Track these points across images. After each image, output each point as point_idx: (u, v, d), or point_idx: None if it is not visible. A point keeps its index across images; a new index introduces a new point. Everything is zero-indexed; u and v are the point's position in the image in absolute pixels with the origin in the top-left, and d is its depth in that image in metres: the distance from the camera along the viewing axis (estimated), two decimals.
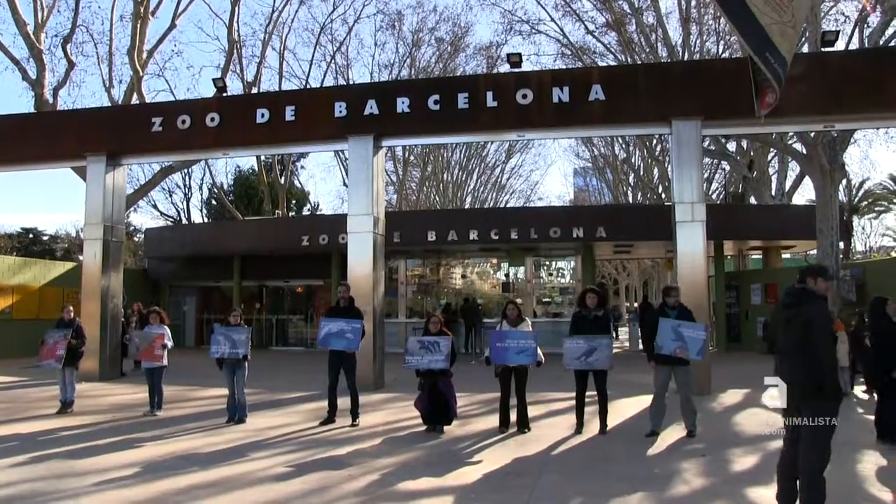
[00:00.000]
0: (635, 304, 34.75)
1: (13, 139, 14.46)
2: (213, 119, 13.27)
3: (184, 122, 13.43)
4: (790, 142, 18.80)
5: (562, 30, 24.14)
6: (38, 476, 5.99)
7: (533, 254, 20.83)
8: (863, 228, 45.27)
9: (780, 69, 9.53)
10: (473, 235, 18.56)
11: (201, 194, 43.83)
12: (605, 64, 22.16)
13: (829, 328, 4.34)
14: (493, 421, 8.15)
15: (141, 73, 20.03)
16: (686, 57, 20.21)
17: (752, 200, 24.30)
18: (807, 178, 19.36)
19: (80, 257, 19.13)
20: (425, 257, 22.01)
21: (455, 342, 8.21)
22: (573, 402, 8.08)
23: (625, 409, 9.30)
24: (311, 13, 41.91)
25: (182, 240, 23.70)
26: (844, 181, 30.77)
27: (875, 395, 7.94)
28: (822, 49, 12.15)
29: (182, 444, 7.34)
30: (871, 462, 6.34)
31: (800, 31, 10.99)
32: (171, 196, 42.14)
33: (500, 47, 27.94)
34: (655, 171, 30.27)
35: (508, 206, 42.82)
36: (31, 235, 43.86)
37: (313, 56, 28.81)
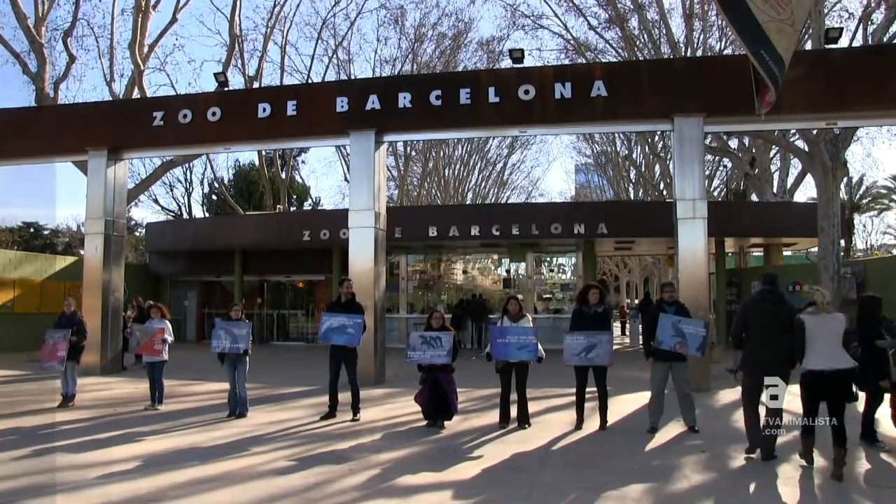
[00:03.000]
0: (635, 301, 34.69)
1: (14, 133, 14.46)
2: (214, 113, 13.26)
3: (185, 116, 13.42)
4: (792, 139, 18.76)
5: (564, 25, 24.10)
6: (40, 469, 6.01)
7: (534, 250, 20.83)
8: (864, 226, 45.19)
9: (775, 68, 9.49)
10: (475, 231, 18.55)
11: (202, 189, 43.80)
12: (607, 60, 22.11)
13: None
14: (494, 416, 8.17)
15: (142, 68, 20.00)
16: (689, 53, 20.16)
17: (754, 198, 24.26)
18: (809, 175, 19.32)
19: (82, 252, 19.14)
20: (426, 253, 22.01)
21: (461, 337, 8.24)
22: (573, 398, 8.10)
23: (625, 405, 9.31)
24: (314, 7, 41.85)
25: (183, 234, 23.70)
26: (846, 179, 30.71)
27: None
28: (826, 46, 12.12)
29: (183, 439, 7.36)
30: (866, 460, 6.36)
31: (800, 29, 10.96)
32: (171, 191, 42.06)
33: (503, 42, 27.90)
34: (657, 167, 30.22)
35: (510, 201, 42.81)
36: (31, 230, 43.88)
37: (315, 51, 28.59)
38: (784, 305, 6.41)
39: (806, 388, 5.80)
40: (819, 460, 6.09)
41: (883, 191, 41.53)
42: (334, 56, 28.84)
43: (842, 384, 5.72)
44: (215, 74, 14.36)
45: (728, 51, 20.77)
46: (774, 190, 23.26)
